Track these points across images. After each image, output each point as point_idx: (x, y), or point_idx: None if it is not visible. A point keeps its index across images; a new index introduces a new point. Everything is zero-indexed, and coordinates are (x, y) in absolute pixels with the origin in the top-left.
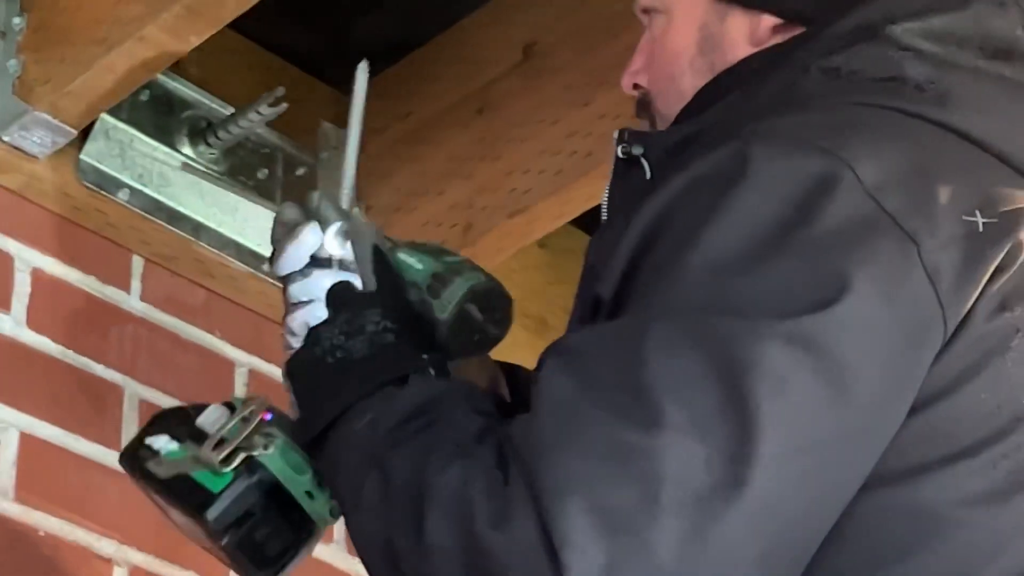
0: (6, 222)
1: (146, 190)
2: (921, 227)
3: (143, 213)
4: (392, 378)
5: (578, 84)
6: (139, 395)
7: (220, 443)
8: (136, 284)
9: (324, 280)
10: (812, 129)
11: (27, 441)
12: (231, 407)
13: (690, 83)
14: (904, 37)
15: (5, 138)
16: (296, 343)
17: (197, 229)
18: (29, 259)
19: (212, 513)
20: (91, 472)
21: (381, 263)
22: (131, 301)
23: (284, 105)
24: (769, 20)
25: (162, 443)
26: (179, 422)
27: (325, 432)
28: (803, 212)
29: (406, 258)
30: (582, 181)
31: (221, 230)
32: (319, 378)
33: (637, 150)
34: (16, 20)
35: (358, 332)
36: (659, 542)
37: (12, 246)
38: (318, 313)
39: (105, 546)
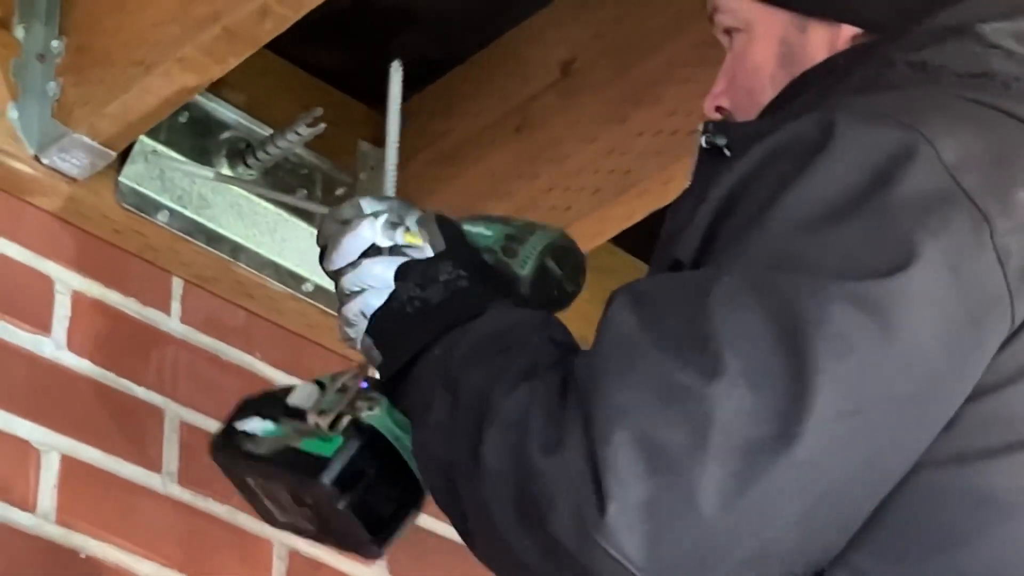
0: (46, 245)
1: (185, 212)
2: (996, 208)
3: (182, 235)
4: (471, 315)
5: (616, 101)
6: (180, 417)
7: (323, 412)
8: (176, 306)
9: (376, 267)
10: (894, 106)
11: (68, 464)
12: (320, 384)
13: (770, 96)
14: (993, 36)
15: (44, 160)
16: (353, 333)
17: (236, 250)
18: (69, 282)
19: (328, 476)
20: (132, 494)
21: (447, 227)
22: (171, 323)
23: (322, 125)
24: (849, 30)
25: (255, 425)
26: (268, 405)
27: (407, 370)
28: (881, 179)
29: (473, 228)
30: (621, 199)
31: (260, 251)
32: (400, 325)
33: (720, 140)
34: (55, 43)
35: (432, 282)
36: (702, 486)
37: (52, 269)
38: (371, 301)
39: (146, 568)
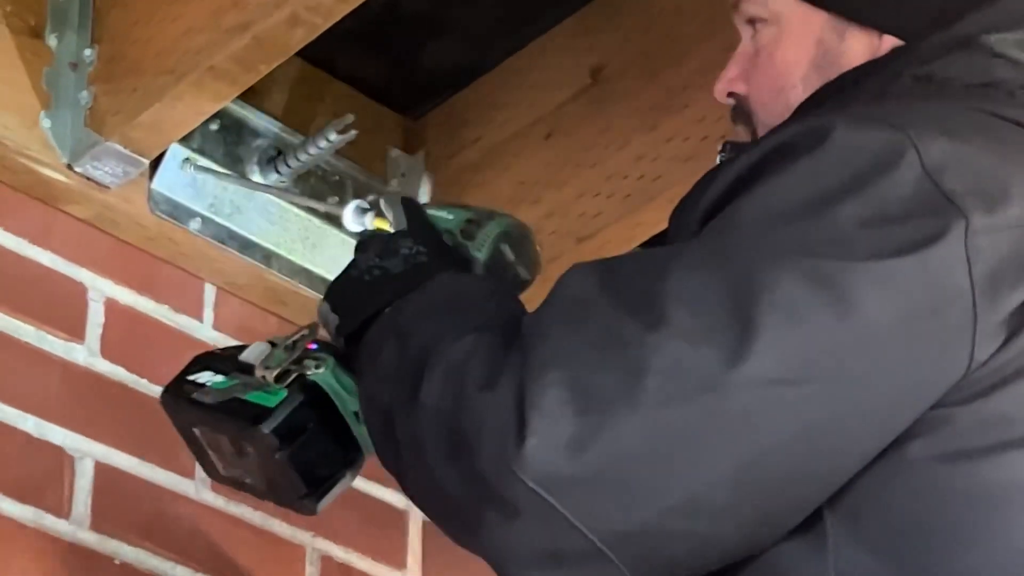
0: (79, 252)
1: (217, 219)
2: (976, 206)
3: (215, 242)
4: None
5: (646, 108)
6: None
7: (270, 367)
8: (208, 313)
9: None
10: (891, 111)
11: (102, 470)
12: (272, 344)
13: (800, 96)
14: (998, 46)
15: (77, 169)
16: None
17: (268, 257)
18: (102, 289)
19: (269, 425)
20: (166, 500)
21: (411, 209)
22: (204, 330)
23: (353, 132)
24: (890, 41)
25: (207, 377)
26: (220, 360)
27: (361, 333)
28: (857, 182)
29: (436, 212)
30: (651, 205)
31: (292, 258)
32: (357, 291)
33: None
34: (87, 52)
35: (392, 254)
36: (629, 428)
37: (85, 276)
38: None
39: (180, 574)
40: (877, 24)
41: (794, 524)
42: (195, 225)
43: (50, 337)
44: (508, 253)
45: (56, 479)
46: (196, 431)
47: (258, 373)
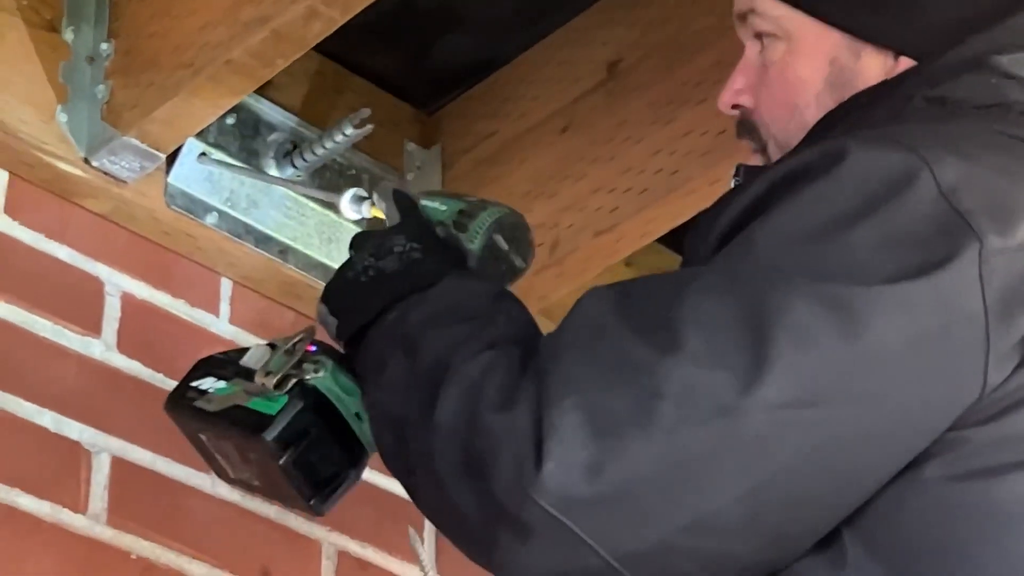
0: (96, 247)
1: (234, 213)
2: (992, 228)
3: (231, 236)
4: (425, 284)
5: (662, 102)
6: None
7: (270, 373)
8: (225, 307)
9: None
10: (904, 132)
11: (119, 465)
12: (273, 347)
13: (814, 114)
14: (1010, 66)
15: (94, 163)
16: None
17: (284, 251)
18: (119, 283)
19: (270, 433)
20: (183, 495)
21: (403, 202)
22: (220, 324)
23: (369, 126)
24: (905, 61)
25: (209, 383)
26: (222, 365)
27: (361, 335)
28: (871, 205)
29: (429, 203)
30: (668, 199)
31: (308, 252)
32: (354, 292)
33: None
34: (104, 46)
35: (387, 253)
36: (643, 453)
37: (102, 271)
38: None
39: (196, 569)
40: (891, 44)
41: (809, 545)
42: (211, 219)
43: (67, 332)
44: (501, 243)
45: (73, 474)
46: (202, 437)
47: (258, 380)
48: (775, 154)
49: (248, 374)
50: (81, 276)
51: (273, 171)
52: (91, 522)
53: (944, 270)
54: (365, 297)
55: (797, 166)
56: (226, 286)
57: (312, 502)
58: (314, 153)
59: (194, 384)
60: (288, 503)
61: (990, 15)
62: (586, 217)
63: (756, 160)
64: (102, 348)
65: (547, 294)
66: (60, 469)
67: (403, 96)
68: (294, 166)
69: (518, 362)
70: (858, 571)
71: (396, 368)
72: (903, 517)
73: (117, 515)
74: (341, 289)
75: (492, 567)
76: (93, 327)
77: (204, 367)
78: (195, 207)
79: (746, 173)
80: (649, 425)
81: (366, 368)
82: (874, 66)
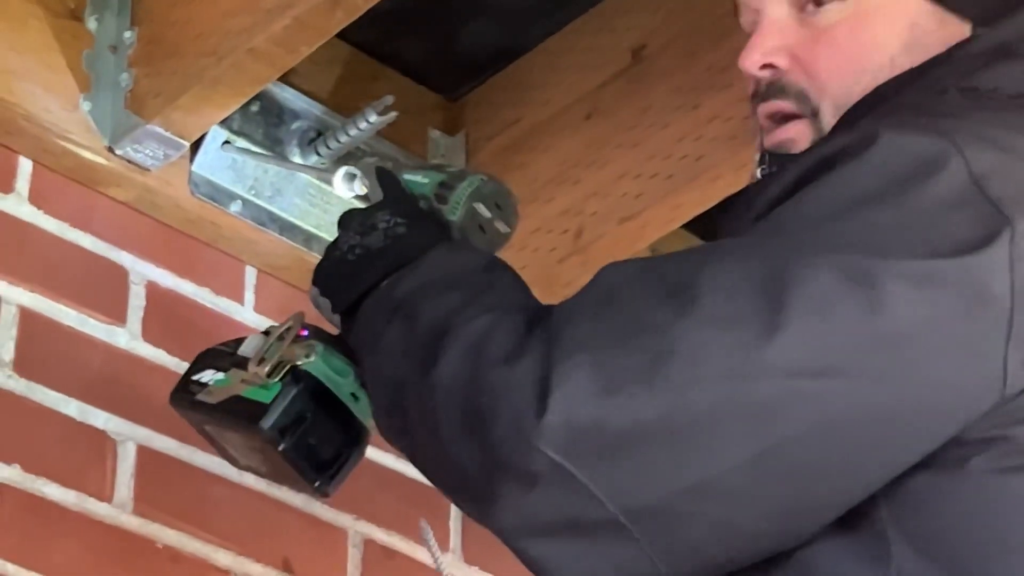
0: (120, 235)
1: (258, 201)
2: (1022, 215)
3: (255, 224)
4: (411, 257)
5: (687, 87)
6: None
7: (263, 362)
8: (249, 295)
9: None
10: (937, 120)
11: (144, 454)
12: (267, 334)
13: (887, 75)
14: None
15: (118, 152)
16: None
17: (309, 239)
18: (143, 272)
19: (267, 421)
20: (208, 483)
21: (385, 179)
22: (244, 312)
23: (393, 114)
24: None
25: (208, 375)
26: (221, 356)
27: (353, 311)
28: (900, 185)
29: (411, 176)
30: (693, 185)
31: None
32: (342, 271)
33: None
34: (127, 34)
35: (371, 230)
36: (650, 408)
37: (126, 259)
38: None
39: (222, 557)
40: (967, 13)
41: (820, 523)
42: (235, 207)
43: (92, 320)
44: (483, 210)
45: (98, 463)
46: (207, 429)
47: (251, 369)
48: (829, 116)
49: (244, 364)
50: (106, 265)
51: (297, 159)
52: (117, 511)
53: (975, 253)
54: (353, 275)
55: (829, 151)
56: (250, 274)
57: (317, 484)
58: (338, 141)
59: (195, 378)
60: (296, 487)
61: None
62: (611, 204)
63: (785, 131)
64: (127, 337)
65: (572, 281)
66: (86, 458)
67: (427, 83)
68: (318, 154)
69: (523, 325)
70: (902, 565)
71: (393, 334)
72: (949, 509)
73: (143, 504)
74: (329, 269)
75: (494, 522)
76: (118, 316)
77: (204, 359)
78: (219, 195)
79: (771, 160)
80: (658, 381)
81: (362, 340)
82: (957, 35)
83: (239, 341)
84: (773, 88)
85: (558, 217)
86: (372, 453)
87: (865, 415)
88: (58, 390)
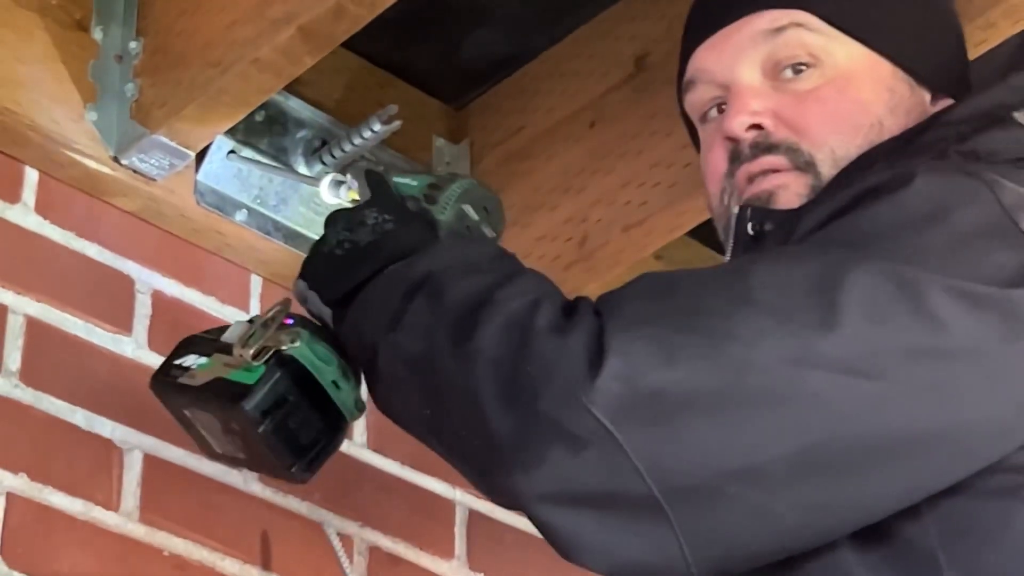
0: (125, 245)
1: (263, 210)
2: None
3: (260, 233)
4: (400, 253)
5: None
6: None
7: (247, 345)
8: (255, 304)
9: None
10: (961, 167)
11: (151, 462)
12: (251, 322)
13: (886, 132)
14: None
15: (123, 161)
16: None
17: None
18: (149, 281)
19: (249, 402)
20: (214, 492)
21: (373, 180)
22: None
23: (398, 123)
24: (946, 102)
25: (191, 360)
26: (204, 343)
27: (347, 303)
28: (941, 211)
29: (401, 179)
30: (697, 193)
31: None
32: (331, 266)
33: (768, 227)
34: (132, 44)
35: (359, 226)
36: (705, 386)
37: (132, 268)
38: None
39: (229, 566)
40: (930, 82)
41: (853, 528)
42: (241, 217)
43: (98, 329)
44: (471, 212)
45: (105, 471)
46: (187, 413)
47: (236, 352)
48: (828, 167)
49: (228, 349)
50: (111, 274)
51: (302, 168)
52: (123, 519)
53: (1015, 285)
54: (345, 266)
55: (870, 184)
56: (256, 283)
57: (293, 469)
58: (342, 150)
59: (177, 362)
60: (272, 472)
61: (1000, 71)
62: (615, 211)
63: (770, 180)
64: (133, 346)
65: (576, 289)
66: (92, 467)
67: (431, 91)
68: (323, 163)
69: (566, 305)
70: None
71: (417, 311)
72: (1005, 538)
73: (149, 512)
74: (318, 262)
75: (524, 487)
76: (124, 325)
77: (186, 346)
78: (224, 204)
79: (755, 214)
80: (719, 358)
81: (371, 322)
82: (924, 102)
83: (222, 329)
84: (759, 147)
85: (562, 225)
86: (377, 461)
87: (910, 425)
88: (65, 399)
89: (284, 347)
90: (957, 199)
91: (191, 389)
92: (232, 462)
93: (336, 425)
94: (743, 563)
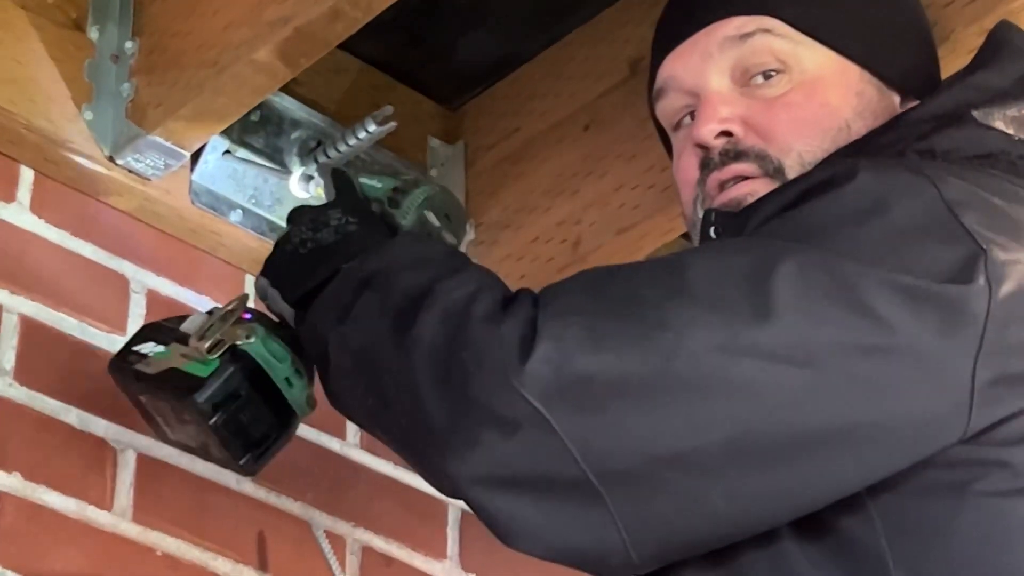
0: (121, 244)
1: (258, 210)
2: (993, 241)
3: (255, 233)
4: (361, 252)
5: None
6: None
7: (203, 338)
8: (250, 304)
9: None
10: (907, 163)
11: (144, 462)
12: (210, 314)
13: (854, 134)
14: (984, 119)
15: (119, 161)
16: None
17: None
18: (144, 281)
19: (201, 395)
20: (207, 492)
21: (340, 180)
22: None
23: (393, 124)
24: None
25: (149, 347)
26: (163, 331)
27: (307, 303)
28: (881, 205)
29: (367, 180)
30: None
31: None
32: (294, 265)
33: (731, 232)
34: (128, 44)
35: (323, 226)
36: (637, 371)
37: (127, 268)
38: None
39: (221, 565)
40: (898, 84)
41: (789, 517)
42: (236, 217)
43: (92, 329)
44: (432, 219)
45: (98, 471)
46: (142, 399)
47: (192, 344)
48: (795, 172)
49: (185, 339)
50: (106, 273)
51: (297, 168)
52: (117, 519)
53: (956, 285)
54: (306, 267)
55: (813, 182)
56: (250, 283)
57: (243, 462)
58: (337, 150)
59: (135, 348)
60: (222, 463)
61: (964, 71)
62: (609, 214)
63: (740, 188)
64: None
65: None
66: (86, 466)
67: (427, 92)
68: (318, 163)
69: (505, 297)
70: None
71: (364, 302)
72: (951, 535)
73: (143, 512)
74: (280, 261)
75: (460, 470)
76: (118, 324)
77: (146, 332)
78: (220, 204)
79: (719, 218)
80: (649, 346)
81: (324, 320)
82: (893, 104)
83: (182, 318)
84: (729, 155)
85: (556, 227)
86: (370, 461)
87: (838, 416)
88: (59, 398)
89: (239, 342)
90: (898, 194)
91: (146, 376)
92: (185, 449)
93: (287, 421)
94: (683, 550)
